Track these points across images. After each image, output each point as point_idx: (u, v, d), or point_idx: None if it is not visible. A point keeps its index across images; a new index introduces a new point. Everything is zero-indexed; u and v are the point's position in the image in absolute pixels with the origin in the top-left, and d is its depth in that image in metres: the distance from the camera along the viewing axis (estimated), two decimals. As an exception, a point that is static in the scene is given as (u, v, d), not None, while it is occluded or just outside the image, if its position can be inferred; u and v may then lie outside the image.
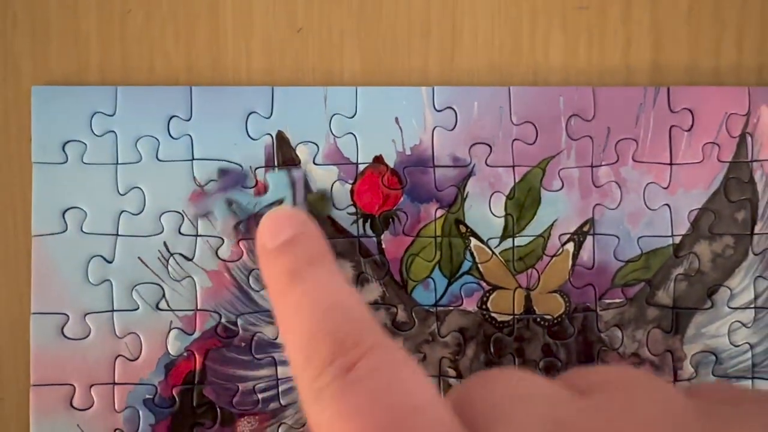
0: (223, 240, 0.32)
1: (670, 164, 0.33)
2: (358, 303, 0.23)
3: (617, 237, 0.33)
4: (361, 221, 0.32)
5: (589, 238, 0.33)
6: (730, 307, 0.33)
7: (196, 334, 0.32)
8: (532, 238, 0.32)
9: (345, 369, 0.21)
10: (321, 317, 0.22)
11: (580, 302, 0.32)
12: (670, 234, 0.33)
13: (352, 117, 0.32)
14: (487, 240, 0.32)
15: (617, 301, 0.32)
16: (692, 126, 0.33)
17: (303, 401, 0.21)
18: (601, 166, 0.33)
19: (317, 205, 0.31)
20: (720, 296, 0.33)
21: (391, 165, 0.32)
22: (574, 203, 0.33)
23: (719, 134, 0.33)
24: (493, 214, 0.32)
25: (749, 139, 0.33)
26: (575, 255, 0.32)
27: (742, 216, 0.33)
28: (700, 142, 0.33)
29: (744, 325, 0.33)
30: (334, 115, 0.32)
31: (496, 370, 0.23)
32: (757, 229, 0.33)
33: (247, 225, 0.31)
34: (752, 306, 0.33)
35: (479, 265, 0.32)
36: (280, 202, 0.31)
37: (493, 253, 0.32)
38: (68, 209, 0.32)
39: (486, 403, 0.21)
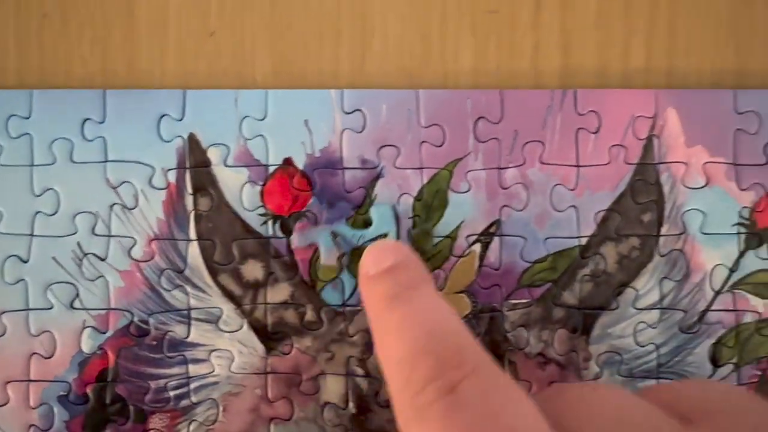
0: (135, 240, 0.33)
1: (577, 166, 0.33)
2: (461, 326, 0.24)
3: (524, 238, 0.33)
4: (271, 222, 0.33)
5: (496, 240, 0.33)
6: (635, 308, 0.33)
7: (109, 333, 0.33)
8: (439, 239, 0.33)
9: (448, 389, 0.21)
10: (423, 337, 0.23)
11: (487, 302, 0.33)
12: (576, 235, 0.33)
13: (263, 119, 0.33)
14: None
15: (523, 301, 0.33)
16: (599, 128, 0.33)
17: (401, 419, 0.22)
18: (508, 168, 0.33)
19: (420, 240, 0.32)
20: (626, 297, 0.33)
21: (301, 167, 0.33)
22: (481, 205, 0.33)
23: (626, 137, 0.33)
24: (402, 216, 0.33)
25: (656, 141, 0.33)
26: (482, 256, 0.33)
27: (648, 218, 0.33)
28: (606, 144, 0.33)
29: (649, 325, 0.33)
30: (245, 117, 0.33)
31: (586, 386, 0.24)
32: (663, 231, 0.33)
33: (350, 257, 0.32)
34: (658, 307, 0.33)
35: (387, 266, 0.33)
36: (384, 235, 0.32)
37: (401, 254, 0.33)
38: (-17, 210, 0.32)
39: (591, 426, 0.21)
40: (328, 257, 0.32)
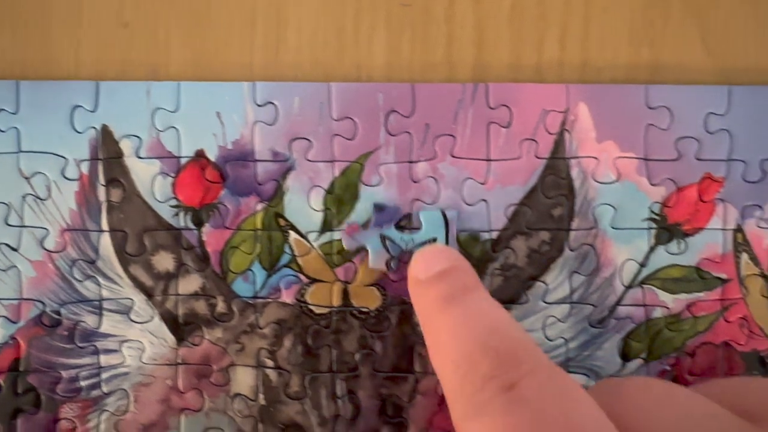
0: (48, 231, 0.33)
1: (488, 160, 0.33)
2: (517, 327, 0.25)
3: (435, 232, 0.33)
4: (182, 214, 0.33)
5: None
6: (545, 302, 0.33)
7: (21, 323, 0.33)
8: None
9: (507, 386, 0.22)
10: (481, 337, 0.24)
11: (397, 295, 0.33)
12: (487, 229, 0.33)
13: (175, 111, 0.33)
14: (307, 233, 0.33)
15: (433, 294, 0.33)
16: (510, 123, 0.33)
17: (456, 415, 0.23)
18: (419, 161, 0.33)
19: (468, 245, 0.32)
20: (535, 291, 0.33)
21: (213, 159, 0.33)
22: (393, 198, 0.33)
23: (537, 131, 0.33)
24: (313, 209, 0.33)
25: (567, 136, 0.33)
26: (393, 249, 0.33)
27: (559, 212, 0.33)
28: (518, 138, 0.33)
29: (559, 320, 0.33)
30: (157, 109, 0.33)
31: (640, 381, 0.24)
32: (573, 225, 0.33)
33: (398, 261, 0.32)
34: (567, 301, 0.33)
35: (298, 258, 0.33)
36: (433, 240, 0.32)
37: (312, 246, 0.33)
38: None
39: (656, 425, 0.21)
40: (376, 261, 0.32)
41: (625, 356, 0.33)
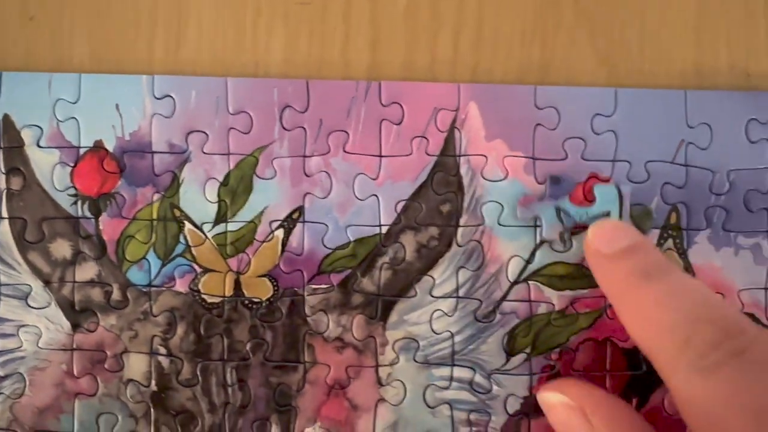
0: (-52, 217, 0.33)
1: (380, 156, 0.34)
2: (723, 299, 0.27)
3: (326, 225, 0.34)
4: (80, 203, 0.34)
5: (299, 225, 0.34)
6: (432, 296, 0.34)
7: None
8: (244, 224, 0.34)
9: (737, 351, 0.24)
10: (698, 306, 0.26)
11: (289, 286, 0.34)
12: (377, 224, 0.34)
13: (75, 103, 0.34)
14: (201, 224, 0.34)
15: (324, 286, 0.34)
16: (402, 120, 0.34)
17: (681, 377, 0.25)
18: (312, 156, 0.34)
19: (641, 220, 0.33)
20: (423, 285, 0.34)
21: (111, 149, 0.34)
22: (286, 191, 0.34)
23: (428, 129, 0.34)
24: (208, 200, 0.34)
25: (457, 134, 0.34)
26: (285, 241, 0.34)
27: (448, 208, 0.34)
28: (409, 135, 0.34)
29: (446, 313, 0.34)
30: (58, 100, 0.34)
31: None
32: (461, 222, 0.34)
33: (570, 233, 0.33)
34: (454, 296, 0.34)
35: (192, 249, 0.34)
36: (606, 214, 0.33)
37: (206, 237, 0.34)
38: None
39: None
40: (549, 232, 0.33)
41: (510, 350, 0.34)
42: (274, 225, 0.34)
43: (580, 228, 0.32)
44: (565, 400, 0.29)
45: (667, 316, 0.26)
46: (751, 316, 0.34)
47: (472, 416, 0.34)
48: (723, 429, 0.24)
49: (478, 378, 0.34)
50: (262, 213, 0.34)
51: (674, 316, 0.26)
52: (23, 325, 0.34)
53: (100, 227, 0.34)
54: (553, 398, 0.30)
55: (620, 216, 0.33)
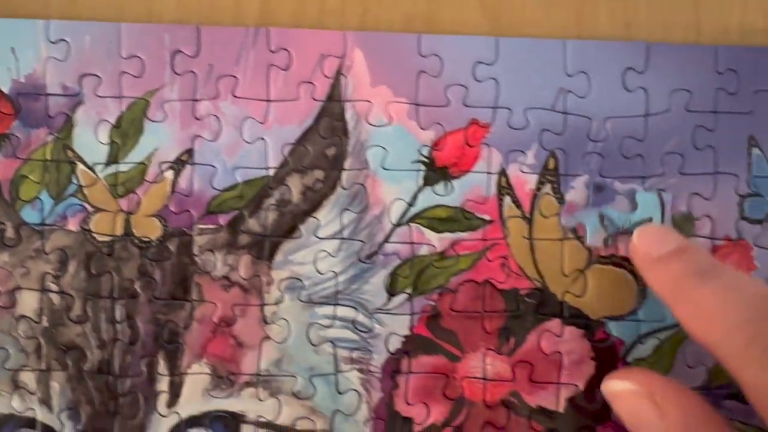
0: None
1: (268, 101, 0.35)
2: None
3: (215, 167, 0.35)
4: (-25, 143, 0.35)
5: (188, 167, 0.35)
6: (317, 237, 0.35)
7: None
8: (134, 165, 0.35)
9: None
10: (759, 301, 0.27)
11: (177, 226, 0.35)
12: (265, 166, 0.35)
13: (-28, 45, 0.35)
14: (93, 165, 0.35)
15: (212, 227, 0.35)
16: (289, 66, 0.35)
17: (750, 373, 0.26)
18: (202, 100, 0.35)
19: (682, 226, 0.34)
20: (308, 226, 0.35)
21: (6, 91, 0.35)
22: (175, 134, 0.35)
23: (315, 74, 0.35)
24: (100, 141, 0.35)
25: (343, 80, 0.35)
26: (174, 182, 0.35)
27: (333, 152, 0.35)
28: (296, 81, 0.35)
29: (330, 254, 0.35)
30: (-45, 43, 0.35)
31: None
32: (346, 165, 0.35)
33: (615, 239, 0.34)
34: (338, 237, 0.35)
35: (84, 189, 0.35)
36: (648, 220, 0.34)
37: (98, 177, 0.35)
38: None
39: None
40: (594, 237, 0.34)
41: (392, 291, 0.35)
42: (164, 166, 0.35)
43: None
44: (632, 387, 0.29)
45: (730, 313, 0.27)
46: (626, 260, 0.35)
47: (355, 354, 0.35)
48: None
49: (361, 317, 0.35)
50: (152, 154, 0.35)
51: (738, 313, 0.27)
52: None
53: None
54: (619, 386, 0.30)
55: (662, 221, 0.34)
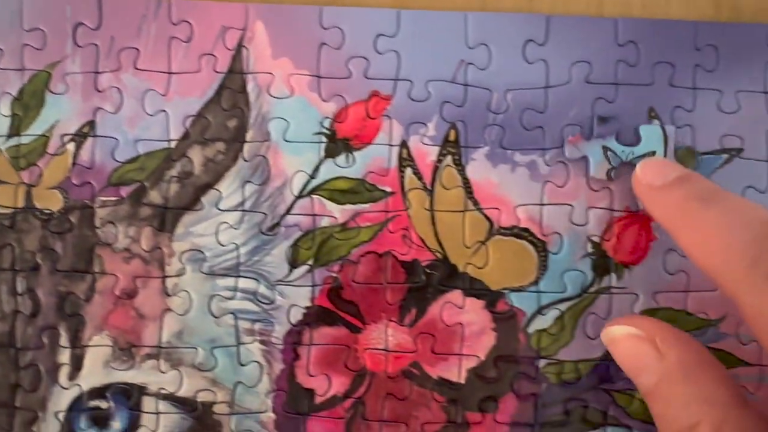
0: None
1: (169, 73, 0.35)
2: None
3: (116, 139, 0.35)
4: None
5: (90, 139, 0.35)
6: (219, 209, 0.35)
7: None
8: (36, 137, 0.35)
9: None
10: (762, 224, 0.26)
11: (79, 199, 0.35)
12: (166, 138, 0.35)
13: None
14: (-6, 137, 0.35)
15: (113, 199, 0.35)
16: (191, 38, 0.35)
17: (750, 294, 0.26)
18: (104, 72, 0.35)
19: (685, 160, 0.34)
20: (210, 198, 0.35)
21: None
22: (77, 106, 0.35)
23: (216, 47, 0.35)
24: (1, 114, 0.35)
25: (245, 52, 0.35)
26: (75, 154, 0.35)
27: (234, 124, 0.35)
28: (197, 53, 0.35)
29: (231, 226, 0.35)
30: None
31: None
32: (248, 137, 0.35)
33: (618, 171, 0.34)
34: (240, 209, 0.35)
35: (-15, 161, 0.35)
36: (652, 153, 0.34)
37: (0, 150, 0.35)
38: None
39: None
40: (597, 170, 0.34)
41: (293, 262, 0.35)
42: (66, 139, 0.35)
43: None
44: (633, 330, 0.29)
45: (733, 236, 0.27)
46: (527, 231, 0.35)
47: (256, 326, 0.35)
48: None
49: (262, 289, 0.35)
50: (53, 127, 0.35)
51: (740, 235, 0.26)
52: None
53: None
54: (618, 331, 0.30)
55: (665, 155, 0.34)
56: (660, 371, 0.28)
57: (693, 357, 0.28)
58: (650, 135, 0.34)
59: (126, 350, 0.34)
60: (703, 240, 0.28)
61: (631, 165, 0.33)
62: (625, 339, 0.30)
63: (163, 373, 0.34)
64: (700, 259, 0.28)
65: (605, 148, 0.34)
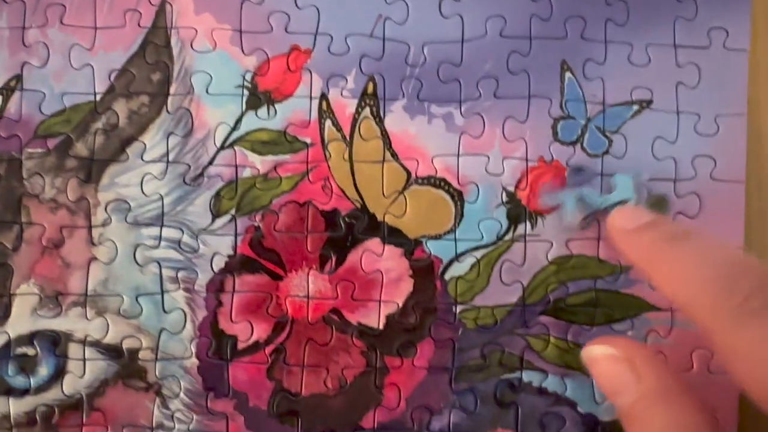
0: None
1: (95, 28, 0.36)
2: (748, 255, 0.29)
3: (43, 92, 0.36)
4: None
5: (17, 93, 0.36)
6: (143, 160, 0.36)
7: None
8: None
9: None
10: (732, 260, 0.27)
11: (6, 150, 0.35)
12: (92, 92, 0.36)
13: None
14: (-77, 91, 0.35)
15: (40, 150, 0.35)
16: (115, -7, 0.36)
17: (721, 326, 0.26)
18: (31, 27, 0.36)
19: (657, 207, 0.35)
20: (134, 149, 0.36)
21: None
22: (4, 60, 0.36)
23: (140, 2, 0.36)
24: (-70, 68, 0.35)
25: (168, 7, 0.36)
26: (3, 107, 0.35)
27: (158, 77, 0.36)
28: (122, 8, 0.36)
29: (155, 176, 0.36)
30: None
31: None
32: (171, 90, 0.36)
33: (592, 219, 0.35)
34: (164, 160, 0.36)
35: None
36: (624, 202, 0.35)
37: (-72, 103, 0.35)
38: None
39: None
40: (573, 217, 0.35)
41: (216, 212, 0.36)
42: (-5, 92, 0.36)
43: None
44: (612, 351, 0.30)
45: (701, 272, 0.27)
46: (443, 181, 0.36)
47: (180, 274, 0.35)
48: None
49: (186, 238, 0.35)
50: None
51: (711, 271, 0.27)
52: None
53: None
54: (598, 351, 0.30)
55: (636, 203, 0.35)
56: (637, 393, 0.29)
57: (670, 382, 0.29)
58: (623, 184, 0.35)
59: (52, 298, 0.35)
60: (676, 276, 0.28)
61: (605, 212, 0.34)
62: (604, 359, 0.30)
63: (89, 320, 0.35)
64: (674, 295, 0.29)
65: (580, 197, 0.35)
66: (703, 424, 0.28)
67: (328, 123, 0.36)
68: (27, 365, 0.35)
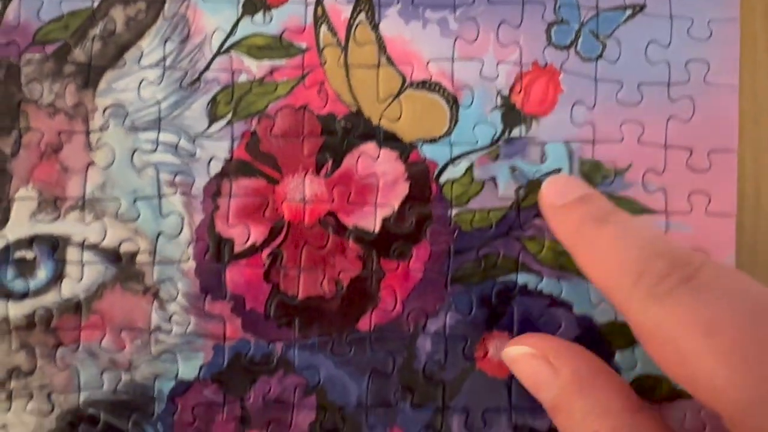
0: None
1: (92, -65, 0.36)
2: (668, 236, 0.29)
3: (42, 1, 0.36)
4: None
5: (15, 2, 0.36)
6: (140, 65, 0.36)
7: None
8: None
9: (685, 278, 0.27)
10: (648, 243, 0.28)
11: (5, 56, 0.36)
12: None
13: None
14: None
15: (38, 56, 0.36)
16: None
17: (637, 307, 0.27)
18: (28, -66, 0.36)
19: (591, 175, 0.35)
20: (132, 55, 0.36)
21: None
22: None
23: None
24: (-71, -25, 0.36)
25: None
26: (2, 14, 0.36)
27: (155, -16, 0.36)
28: None
29: (152, 82, 0.36)
30: None
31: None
32: (168, -4, 0.36)
33: (527, 189, 0.35)
34: (161, 65, 0.36)
35: None
36: (558, 170, 0.35)
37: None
38: None
39: None
40: (506, 189, 0.35)
41: (213, 116, 0.36)
42: (-8, -1, 0.36)
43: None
44: (528, 350, 0.31)
45: (620, 254, 0.28)
46: (438, 85, 0.36)
47: (177, 178, 0.36)
48: (677, 347, 0.26)
49: (183, 142, 0.36)
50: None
51: (627, 254, 0.28)
52: None
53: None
54: (515, 351, 0.31)
55: (570, 171, 0.35)
56: (557, 386, 0.30)
57: (585, 370, 0.30)
58: (556, 153, 0.35)
59: (51, 202, 0.35)
60: (597, 260, 0.29)
61: (538, 182, 0.34)
62: (522, 358, 0.31)
63: (87, 224, 0.35)
64: (595, 278, 0.30)
65: (512, 168, 0.35)
66: (622, 404, 0.28)
67: (323, 28, 0.36)
68: (26, 269, 0.35)
